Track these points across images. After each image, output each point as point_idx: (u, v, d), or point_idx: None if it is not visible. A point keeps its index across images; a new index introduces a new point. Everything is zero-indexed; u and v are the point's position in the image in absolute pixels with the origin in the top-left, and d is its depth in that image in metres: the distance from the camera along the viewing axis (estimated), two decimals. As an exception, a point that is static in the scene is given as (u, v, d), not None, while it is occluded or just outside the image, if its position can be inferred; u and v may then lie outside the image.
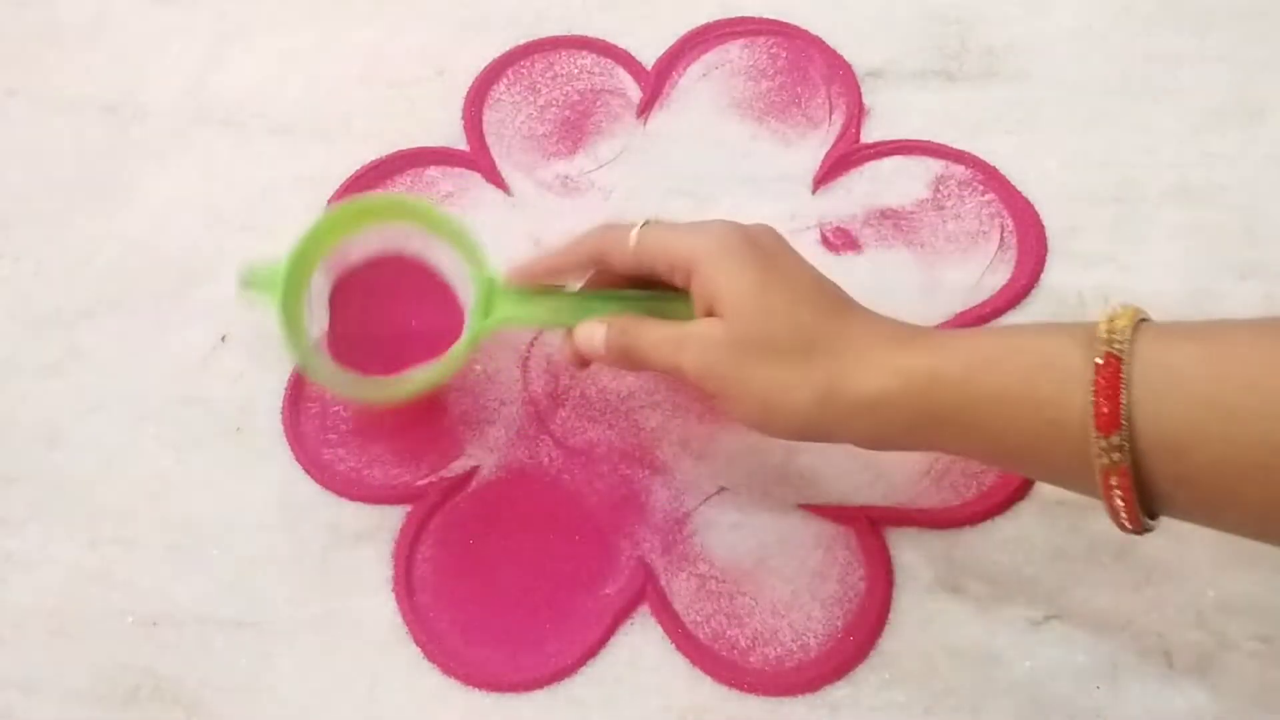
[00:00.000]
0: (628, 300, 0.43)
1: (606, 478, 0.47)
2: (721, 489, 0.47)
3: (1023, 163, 0.52)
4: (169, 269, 0.53)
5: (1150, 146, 0.52)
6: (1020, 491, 0.46)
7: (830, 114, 0.54)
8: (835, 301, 0.39)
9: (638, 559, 0.46)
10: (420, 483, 0.48)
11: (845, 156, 0.53)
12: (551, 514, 0.47)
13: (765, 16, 0.56)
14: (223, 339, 0.51)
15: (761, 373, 0.38)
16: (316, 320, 0.47)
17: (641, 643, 0.45)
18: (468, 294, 0.45)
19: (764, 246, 0.39)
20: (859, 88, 0.54)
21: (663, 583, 0.45)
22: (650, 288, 0.42)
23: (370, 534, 0.47)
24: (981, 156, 0.52)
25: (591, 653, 0.44)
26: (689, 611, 0.45)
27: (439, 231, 0.46)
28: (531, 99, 0.55)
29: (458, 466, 0.48)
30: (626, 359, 0.41)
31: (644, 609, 0.45)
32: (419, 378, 0.46)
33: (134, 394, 0.50)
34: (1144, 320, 0.34)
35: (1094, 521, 0.45)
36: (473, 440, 0.48)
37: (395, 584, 0.46)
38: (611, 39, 0.56)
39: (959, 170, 0.52)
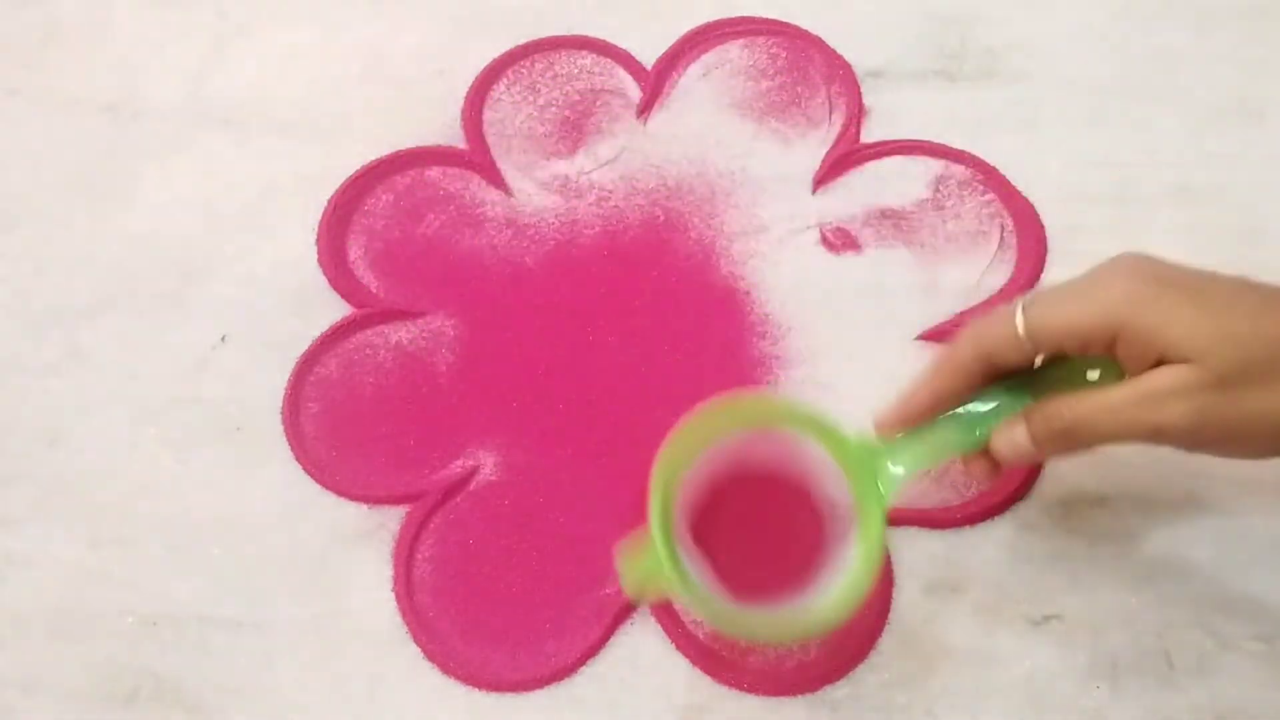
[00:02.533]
0: (1013, 392, 0.39)
1: (608, 474, 0.47)
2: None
3: (1023, 163, 0.52)
4: (169, 269, 0.53)
5: (1150, 146, 0.52)
6: (1020, 491, 0.46)
7: (830, 114, 0.54)
8: (1274, 295, 0.36)
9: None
10: (420, 483, 0.48)
11: (845, 156, 0.53)
12: (551, 514, 0.47)
13: (765, 16, 0.56)
14: (223, 339, 0.51)
15: (1262, 402, 0.35)
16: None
17: (641, 642, 0.45)
18: (827, 481, 0.41)
19: (1166, 273, 0.36)
20: (859, 88, 0.54)
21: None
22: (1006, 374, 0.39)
23: (370, 534, 0.47)
24: (981, 156, 0.52)
25: (591, 653, 0.44)
26: (689, 611, 0.45)
27: (779, 426, 0.41)
28: (531, 99, 0.55)
29: (458, 466, 0.48)
30: (1069, 442, 0.38)
31: (644, 609, 0.45)
32: (842, 593, 0.39)
33: (134, 394, 0.50)
34: None
35: (1094, 521, 0.45)
36: (473, 440, 0.48)
37: (395, 584, 0.46)
38: (611, 39, 0.56)
39: (959, 170, 0.52)
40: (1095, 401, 0.37)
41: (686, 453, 0.40)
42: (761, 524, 0.43)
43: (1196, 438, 0.36)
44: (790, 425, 0.41)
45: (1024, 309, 0.37)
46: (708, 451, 0.40)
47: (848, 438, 0.40)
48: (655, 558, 0.38)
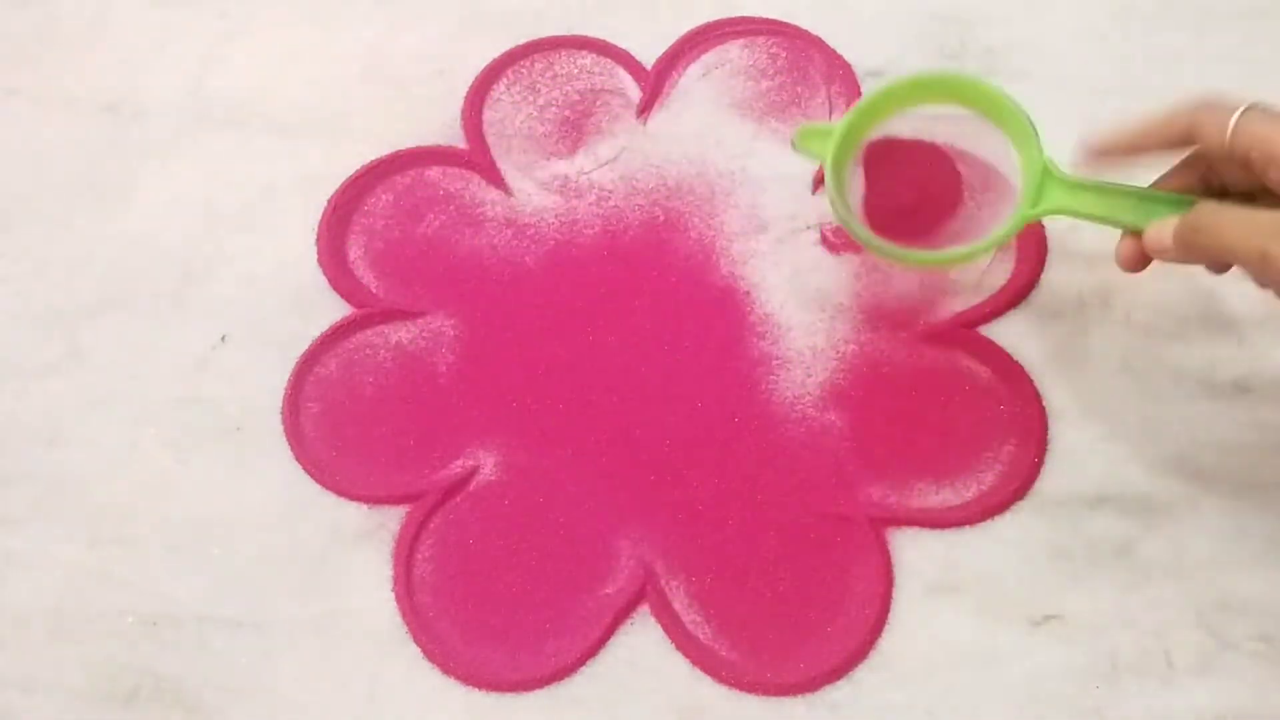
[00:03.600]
0: (1191, 201, 0.40)
1: (608, 474, 0.47)
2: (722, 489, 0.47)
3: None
4: (169, 269, 0.53)
5: (1150, 146, 0.52)
6: (1020, 491, 0.46)
7: (830, 114, 0.54)
8: None
9: (638, 559, 0.46)
10: (420, 483, 0.48)
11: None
12: (551, 514, 0.47)
13: (765, 16, 0.56)
14: (223, 339, 0.51)
15: None
16: (853, 191, 0.47)
17: (641, 643, 0.45)
18: (1015, 182, 0.44)
19: None
20: (859, 88, 0.54)
21: (663, 583, 0.45)
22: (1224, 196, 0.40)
23: (370, 534, 0.47)
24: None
25: (591, 653, 0.44)
26: (689, 611, 0.45)
27: (993, 114, 0.45)
28: (531, 99, 0.55)
29: (458, 466, 0.48)
30: (1198, 249, 0.39)
31: (644, 609, 0.45)
32: (955, 251, 0.44)
33: (134, 394, 0.50)
34: None
35: (1094, 521, 0.45)
36: (473, 440, 0.48)
37: (395, 584, 0.46)
38: (611, 39, 0.56)
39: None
40: (1239, 214, 0.37)
41: (877, 109, 0.45)
42: (917, 190, 0.49)
43: None
44: (1001, 118, 0.44)
45: (1247, 109, 0.38)
46: (898, 115, 0.46)
47: (1038, 150, 0.43)
48: (829, 138, 0.44)
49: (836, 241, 0.51)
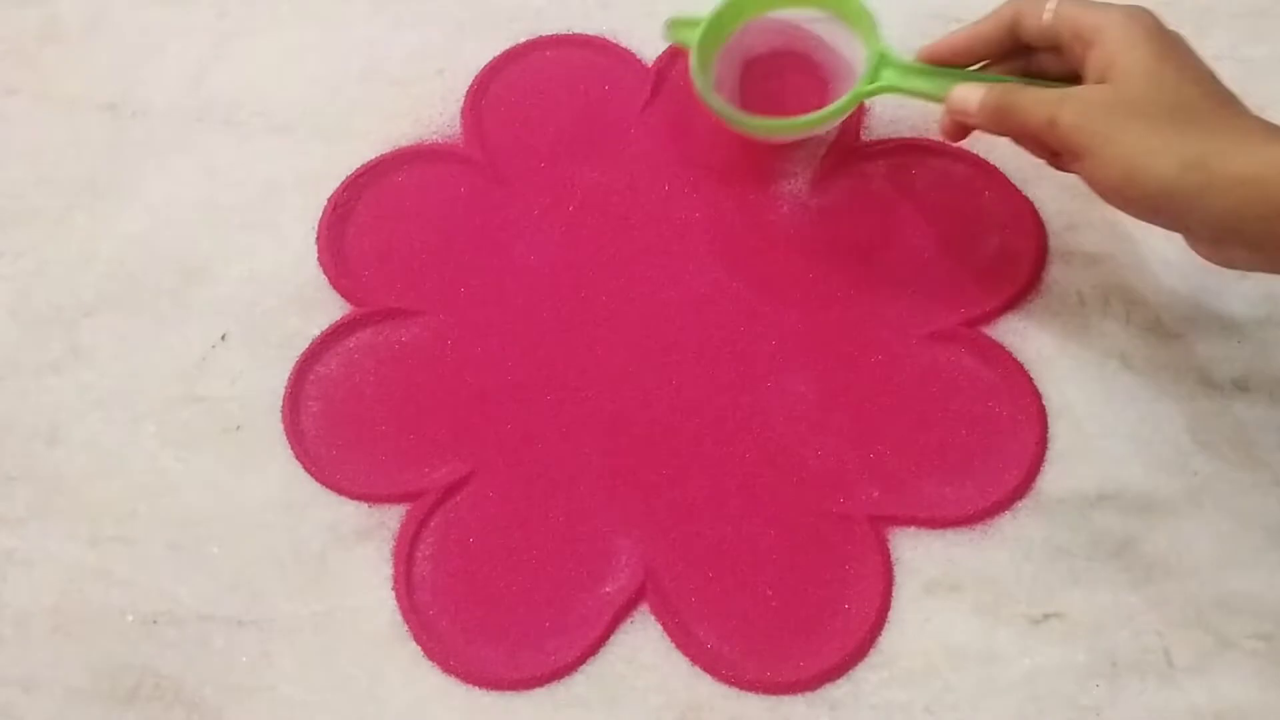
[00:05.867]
0: (1013, 81, 0.44)
1: (608, 473, 0.47)
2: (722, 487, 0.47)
3: (1022, 162, 0.52)
4: (169, 268, 0.53)
5: (1150, 146, 0.52)
6: (1020, 491, 0.46)
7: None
8: (1223, 91, 0.40)
9: (637, 558, 0.46)
10: (420, 482, 0.48)
11: (846, 155, 0.53)
12: (551, 513, 0.47)
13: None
14: (223, 338, 0.51)
15: (1134, 133, 0.38)
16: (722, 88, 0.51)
17: (641, 641, 0.45)
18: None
19: (1171, 33, 0.41)
20: (859, 87, 0.54)
21: (663, 582, 0.45)
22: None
23: (370, 533, 0.47)
24: (981, 156, 0.52)
25: (591, 651, 0.44)
26: (689, 611, 0.45)
27: (843, 13, 0.50)
28: (531, 98, 0.55)
29: (458, 465, 0.48)
30: (1000, 118, 0.43)
31: (643, 608, 0.45)
32: (799, 120, 0.49)
33: (134, 392, 0.50)
34: None
35: (1094, 521, 0.45)
36: (473, 439, 0.48)
37: (395, 583, 0.46)
38: (612, 38, 0.56)
39: (959, 169, 0.52)
40: (1032, 90, 0.42)
41: (742, 6, 0.51)
42: (781, 87, 0.53)
43: (1070, 139, 0.40)
44: (845, 15, 0.50)
45: None
46: (750, 21, 0.52)
47: (876, 39, 0.48)
48: (693, 32, 0.50)
49: (837, 240, 0.51)
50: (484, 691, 0.44)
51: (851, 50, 0.50)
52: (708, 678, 0.44)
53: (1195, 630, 0.43)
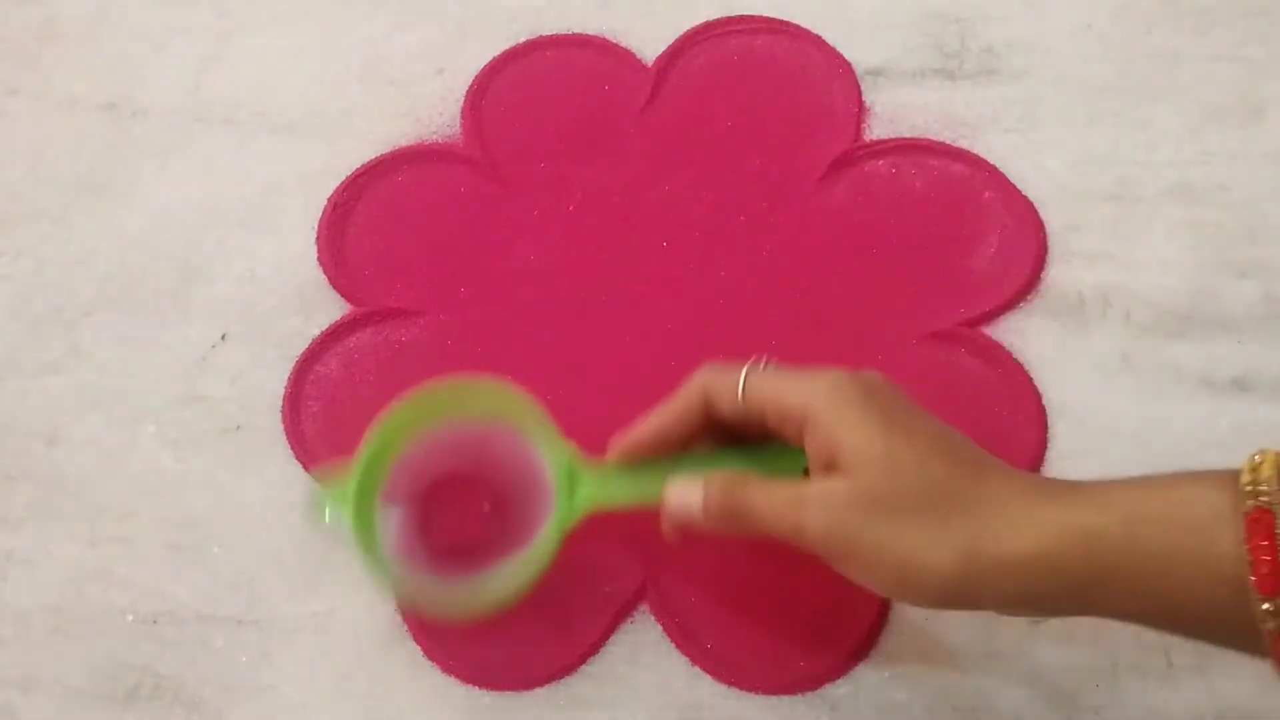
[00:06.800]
0: (728, 458, 0.40)
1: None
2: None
3: (1022, 161, 0.52)
4: (169, 268, 0.53)
5: (1150, 145, 0.52)
6: (1020, 490, 0.46)
7: (830, 113, 0.54)
8: (967, 454, 0.36)
9: (638, 558, 0.46)
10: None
11: (846, 155, 0.53)
12: (551, 513, 0.47)
13: (765, 15, 0.56)
14: (223, 338, 0.51)
15: (894, 534, 0.34)
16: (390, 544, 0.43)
17: (641, 641, 0.45)
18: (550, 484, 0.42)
19: (882, 396, 0.37)
20: (859, 87, 0.54)
21: (663, 582, 0.45)
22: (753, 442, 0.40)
23: (370, 533, 0.47)
24: (982, 155, 0.52)
25: (591, 651, 0.44)
26: (689, 610, 0.45)
27: (508, 416, 0.43)
28: (532, 98, 0.55)
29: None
30: (733, 521, 0.38)
31: (644, 608, 0.45)
32: (508, 578, 0.41)
33: (134, 392, 0.50)
34: None
35: (1094, 520, 0.45)
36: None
37: (395, 583, 0.46)
38: (612, 37, 0.56)
39: (959, 169, 0.52)
40: (763, 491, 0.37)
41: (405, 424, 0.42)
42: (478, 508, 0.45)
43: (827, 549, 0.36)
44: (511, 419, 0.43)
45: (750, 371, 0.38)
46: (432, 429, 0.43)
47: (559, 447, 0.41)
48: (345, 498, 0.41)
49: (838, 240, 0.51)
50: (484, 691, 0.44)
51: (528, 460, 0.43)
52: (708, 678, 0.44)
53: (1195, 630, 0.43)
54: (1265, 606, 0.31)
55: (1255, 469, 0.32)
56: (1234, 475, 0.33)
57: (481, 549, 0.43)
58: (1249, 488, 0.32)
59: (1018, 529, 0.34)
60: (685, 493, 0.39)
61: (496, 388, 0.43)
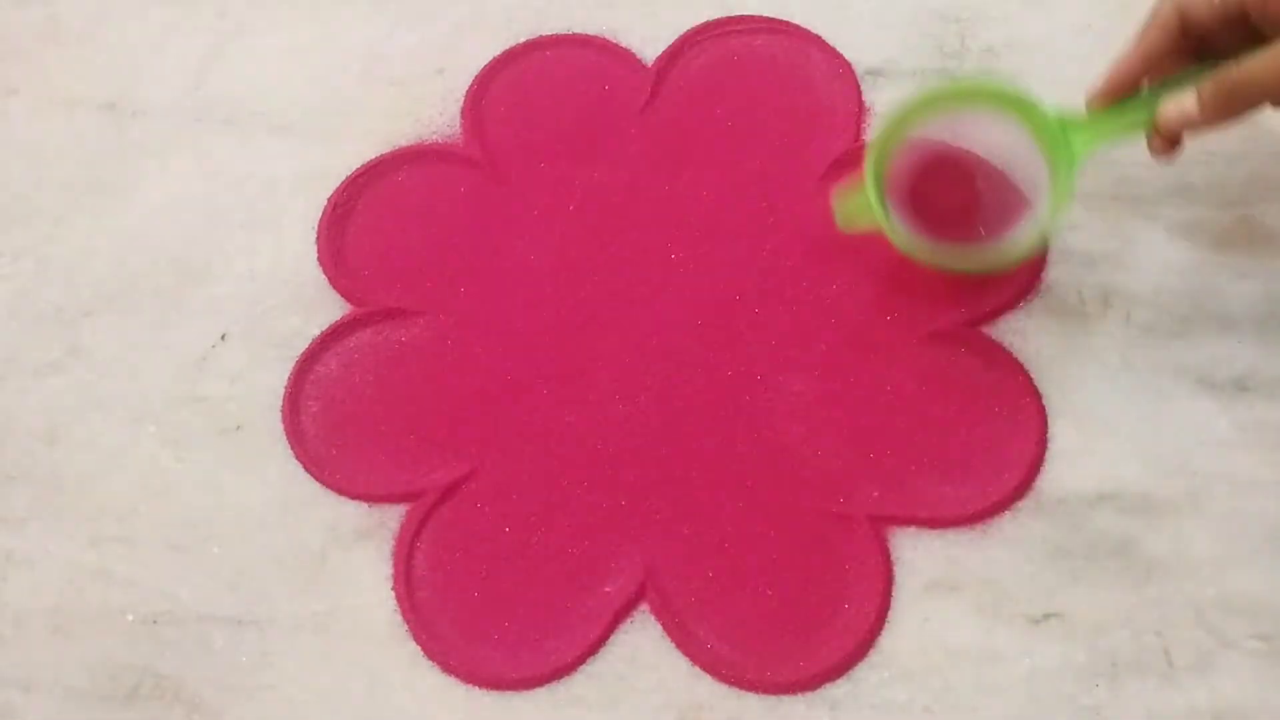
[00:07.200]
0: (1198, 74, 0.42)
1: (608, 473, 0.47)
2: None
3: (1023, 162, 0.52)
4: (169, 268, 0.53)
5: (1150, 145, 0.52)
6: (1020, 490, 0.46)
7: (830, 113, 0.54)
8: None
9: (638, 558, 0.46)
10: (420, 482, 0.48)
11: (846, 155, 0.53)
12: (551, 513, 0.47)
13: (765, 15, 0.56)
14: (222, 338, 0.51)
15: None
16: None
17: (641, 641, 0.45)
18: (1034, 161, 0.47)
19: None
20: (859, 87, 0.54)
21: (662, 582, 0.45)
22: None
23: (370, 533, 0.47)
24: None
25: (591, 651, 0.44)
26: (689, 610, 0.45)
27: (987, 105, 0.47)
28: (532, 98, 0.55)
29: (458, 465, 0.48)
30: (1232, 103, 0.41)
31: (643, 608, 0.45)
32: (1024, 238, 0.47)
33: (134, 392, 0.50)
34: None
35: (1094, 520, 0.45)
36: (472, 439, 0.48)
37: (395, 583, 0.46)
38: (612, 37, 0.56)
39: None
40: (1258, 58, 0.40)
41: (901, 124, 0.48)
42: (954, 197, 0.50)
43: None
44: (994, 104, 0.47)
45: None
46: (919, 127, 0.48)
47: (1042, 113, 0.46)
48: (865, 197, 0.46)
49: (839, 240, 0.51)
50: (484, 691, 0.44)
51: (1006, 134, 0.48)
52: (708, 678, 0.44)
53: (1195, 630, 0.43)
54: None
55: None
56: None
57: (975, 220, 0.49)
58: None
59: None
60: (1179, 101, 0.42)
61: (976, 81, 0.50)
